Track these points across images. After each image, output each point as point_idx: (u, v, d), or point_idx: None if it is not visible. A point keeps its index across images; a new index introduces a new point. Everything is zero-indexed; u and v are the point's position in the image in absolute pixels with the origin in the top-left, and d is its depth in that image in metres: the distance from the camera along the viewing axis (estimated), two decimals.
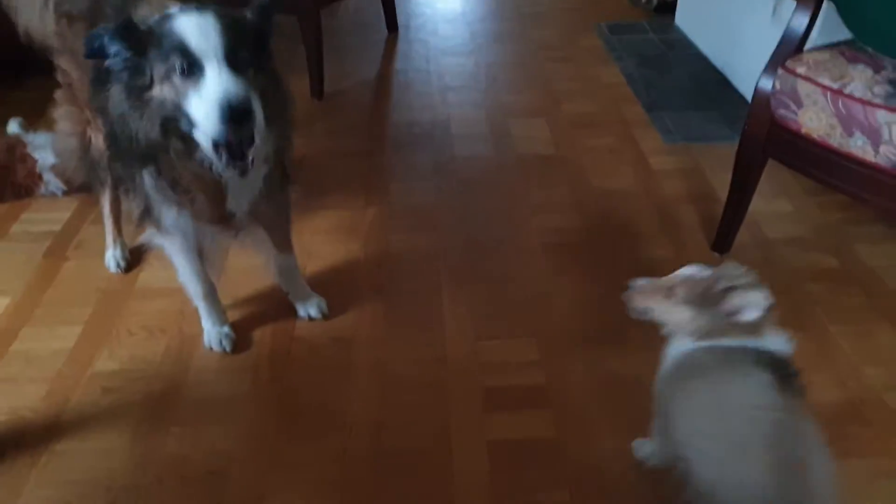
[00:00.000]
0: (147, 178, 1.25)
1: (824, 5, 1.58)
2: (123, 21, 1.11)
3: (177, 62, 1.09)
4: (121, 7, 1.31)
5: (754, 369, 1.03)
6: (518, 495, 1.30)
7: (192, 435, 1.41)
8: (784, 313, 1.66)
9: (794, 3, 1.60)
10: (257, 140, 1.14)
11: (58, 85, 1.60)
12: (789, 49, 1.57)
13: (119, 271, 1.80)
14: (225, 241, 1.52)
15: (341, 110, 2.66)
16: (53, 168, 2.00)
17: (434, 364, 1.57)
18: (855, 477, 1.31)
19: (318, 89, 2.71)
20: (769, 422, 0.99)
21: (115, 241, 1.81)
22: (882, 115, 1.37)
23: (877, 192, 1.46)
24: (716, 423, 1.04)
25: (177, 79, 1.10)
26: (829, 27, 1.74)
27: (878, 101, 1.38)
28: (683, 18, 3.35)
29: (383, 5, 3.28)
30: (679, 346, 1.14)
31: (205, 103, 1.08)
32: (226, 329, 1.60)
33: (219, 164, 1.15)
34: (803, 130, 1.53)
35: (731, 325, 1.07)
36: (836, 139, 1.46)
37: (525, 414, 1.45)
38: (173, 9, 1.15)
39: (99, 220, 1.87)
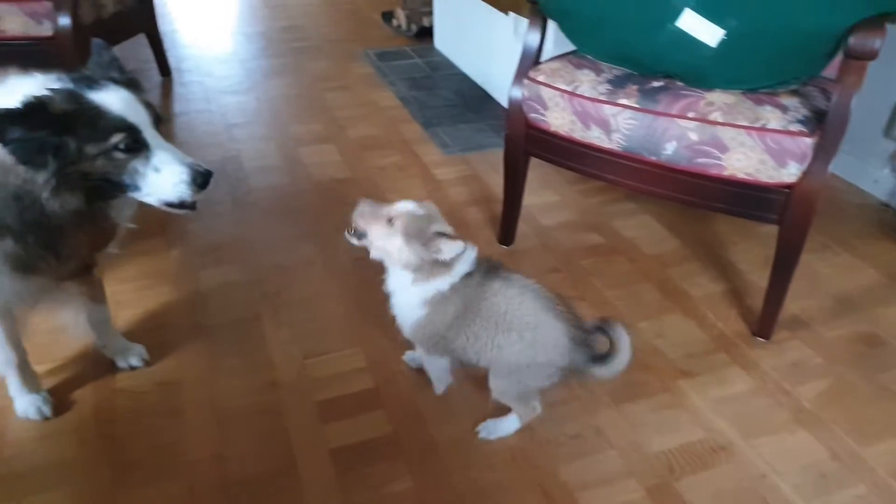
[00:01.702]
0: None
1: (552, 25, 1.87)
2: (31, 104, 1.07)
3: (118, 140, 1.16)
4: None
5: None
6: (366, 493, 1.38)
7: None
8: (566, 287, 1.95)
9: (529, 26, 1.88)
10: None
11: None
12: (529, 61, 1.84)
13: None
14: (54, 299, 1.46)
15: None
16: None
17: (265, 389, 1.61)
18: (643, 414, 1.57)
19: None
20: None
21: None
22: (607, 109, 1.67)
23: (616, 172, 1.76)
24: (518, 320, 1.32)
25: (119, 154, 1.17)
26: (559, 41, 2.06)
27: (602, 97, 1.68)
28: (441, 42, 3.66)
29: (153, 50, 3.21)
30: (424, 287, 1.33)
31: (170, 175, 1.21)
32: (42, 394, 1.51)
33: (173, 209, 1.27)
34: (552, 129, 1.80)
35: (434, 263, 1.30)
36: (579, 133, 1.75)
37: (361, 418, 1.54)
38: (73, 84, 1.16)
39: None
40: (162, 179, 1.21)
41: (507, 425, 1.49)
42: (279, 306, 1.86)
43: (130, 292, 1.87)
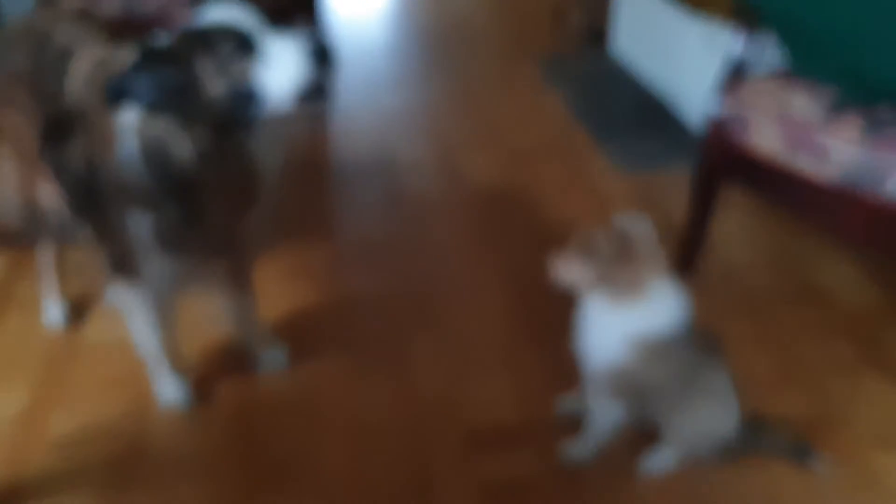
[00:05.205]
0: (141, 223, 1.30)
1: (762, 37, 1.80)
2: (145, 52, 1.19)
3: (230, 48, 1.20)
4: (58, 63, 1.37)
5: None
6: None
7: (161, 496, 1.45)
8: (750, 332, 1.85)
9: (730, 35, 1.81)
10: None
11: None
12: (733, 78, 1.78)
13: (62, 328, 1.82)
14: (202, 285, 1.57)
15: None
16: None
17: (407, 405, 1.65)
18: (827, 489, 1.47)
19: None
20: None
21: (56, 297, 1.83)
22: (822, 136, 1.58)
23: (822, 208, 1.67)
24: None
25: (234, 64, 1.21)
26: (767, 58, 1.98)
27: (817, 123, 1.59)
28: (618, 47, 3.62)
29: None
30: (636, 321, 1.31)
31: (284, 58, 1.23)
32: (185, 383, 1.64)
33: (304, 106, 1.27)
34: (754, 152, 1.73)
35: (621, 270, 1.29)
36: (785, 159, 1.67)
37: (507, 451, 1.55)
38: (197, 17, 1.26)
39: (30, 277, 1.88)
40: (279, 68, 1.23)
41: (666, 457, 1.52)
42: (428, 317, 1.92)
43: (273, 287, 1.96)
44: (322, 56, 1.24)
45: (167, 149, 1.22)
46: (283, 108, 1.27)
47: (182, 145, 1.22)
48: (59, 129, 1.35)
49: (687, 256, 2.02)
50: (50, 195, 1.55)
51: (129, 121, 1.22)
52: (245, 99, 1.24)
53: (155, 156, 1.23)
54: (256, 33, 1.23)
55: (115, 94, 1.20)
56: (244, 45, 1.22)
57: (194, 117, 1.22)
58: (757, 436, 1.49)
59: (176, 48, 1.21)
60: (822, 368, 1.76)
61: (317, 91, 1.26)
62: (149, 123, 1.21)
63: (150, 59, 1.20)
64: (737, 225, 2.31)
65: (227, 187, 1.31)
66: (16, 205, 1.63)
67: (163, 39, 1.23)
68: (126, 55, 1.24)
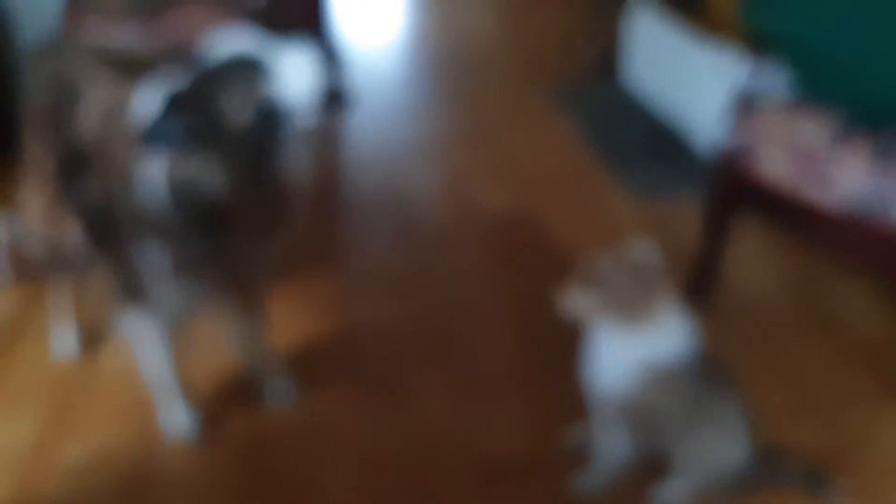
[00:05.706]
0: (159, 254, 1.33)
1: (771, 64, 1.83)
2: (169, 99, 1.23)
3: (247, 76, 1.24)
4: (75, 99, 1.42)
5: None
6: None
7: None
8: (765, 361, 1.85)
9: (740, 62, 1.84)
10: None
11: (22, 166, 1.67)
12: (743, 105, 1.80)
13: (76, 357, 1.85)
14: (215, 310, 1.58)
15: None
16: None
17: (417, 437, 1.66)
18: None
19: None
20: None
21: (70, 327, 1.86)
22: (831, 165, 1.60)
23: (832, 237, 1.69)
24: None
25: (254, 89, 1.24)
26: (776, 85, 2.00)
27: (826, 151, 1.61)
28: (629, 77, 3.66)
29: None
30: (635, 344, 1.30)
31: (294, 67, 1.25)
32: (194, 414, 1.65)
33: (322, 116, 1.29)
34: (764, 181, 1.75)
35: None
36: (795, 188, 1.69)
37: (520, 486, 1.55)
38: (208, 55, 1.29)
39: (46, 306, 1.92)
40: (294, 80, 1.25)
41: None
42: (438, 348, 1.93)
43: (285, 315, 1.95)
44: (330, 59, 1.27)
45: (199, 187, 1.25)
46: (309, 120, 1.29)
47: (215, 180, 1.25)
48: (76, 165, 1.39)
49: (700, 285, 2.03)
50: (70, 228, 1.59)
51: (159, 165, 1.26)
52: (271, 119, 1.26)
53: (186, 194, 1.26)
54: (266, 54, 1.26)
55: (149, 141, 1.24)
56: (258, 68, 1.25)
57: (226, 150, 1.25)
58: (772, 467, 1.48)
59: (196, 90, 1.25)
60: (838, 399, 1.75)
61: (335, 97, 1.29)
62: (180, 165, 1.25)
63: (175, 105, 1.23)
64: (751, 253, 2.31)
65: (257, 213, 1.34)
66: (39, 237, 1.67)
67: (180, 83, 1.27)
68: (142, 92, 1.29)
